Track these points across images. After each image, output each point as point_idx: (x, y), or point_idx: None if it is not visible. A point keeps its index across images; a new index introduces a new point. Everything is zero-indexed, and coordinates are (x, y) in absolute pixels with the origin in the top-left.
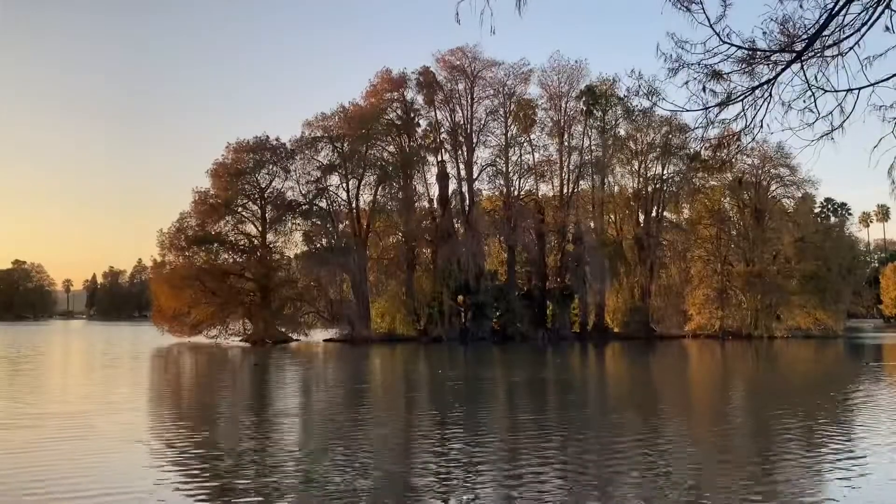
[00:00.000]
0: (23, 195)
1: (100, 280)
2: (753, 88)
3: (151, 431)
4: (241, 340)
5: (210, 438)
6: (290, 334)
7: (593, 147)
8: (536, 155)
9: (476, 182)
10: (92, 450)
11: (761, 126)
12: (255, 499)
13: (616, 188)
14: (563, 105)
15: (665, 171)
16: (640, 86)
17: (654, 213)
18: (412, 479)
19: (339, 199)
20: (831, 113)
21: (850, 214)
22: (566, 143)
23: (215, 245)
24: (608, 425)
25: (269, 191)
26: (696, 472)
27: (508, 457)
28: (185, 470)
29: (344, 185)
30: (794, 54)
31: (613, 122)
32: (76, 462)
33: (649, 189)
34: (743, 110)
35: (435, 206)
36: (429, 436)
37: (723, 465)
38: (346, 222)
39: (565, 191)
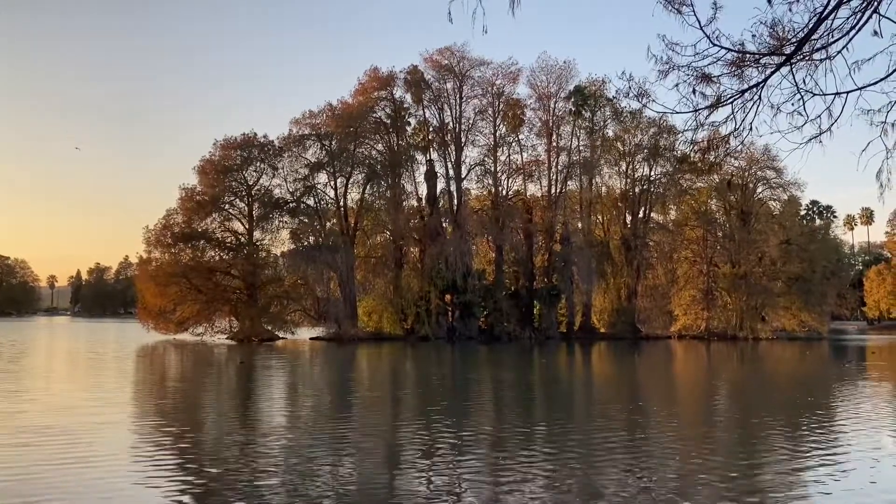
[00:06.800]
0: (6, 191)
1: (84, 276)
2: (743, 91)
3: (150, 453)
4: (226, 338)
5: (210, 455)
6: (276, 332)
7: (581, 148)
8: (525, 155)
9: (464, 181)
10: (95, 477)
11: (750, 129)
12: None
13: (603, 189)
14: (552, 105)
15: (652, 173)
16: (630, 87)
17: (641, 214)
18: (396, 487)
19: (327, 197)
20: (819, 116)
21: (835, 217)
22: (554, 144)
23: (202, 242)
24: (592, 427)
25: (256, 188)
26: (679, 471)
27: (495, 459)
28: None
29: (332, 183)
30: (784, 57)
31: (602, 123)
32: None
33: (636, 190)
34: (732, 113)
35: (423, 204)
36: (415, 445)
37: (706, 462)
38: (334, 220)
39: (553, 191)
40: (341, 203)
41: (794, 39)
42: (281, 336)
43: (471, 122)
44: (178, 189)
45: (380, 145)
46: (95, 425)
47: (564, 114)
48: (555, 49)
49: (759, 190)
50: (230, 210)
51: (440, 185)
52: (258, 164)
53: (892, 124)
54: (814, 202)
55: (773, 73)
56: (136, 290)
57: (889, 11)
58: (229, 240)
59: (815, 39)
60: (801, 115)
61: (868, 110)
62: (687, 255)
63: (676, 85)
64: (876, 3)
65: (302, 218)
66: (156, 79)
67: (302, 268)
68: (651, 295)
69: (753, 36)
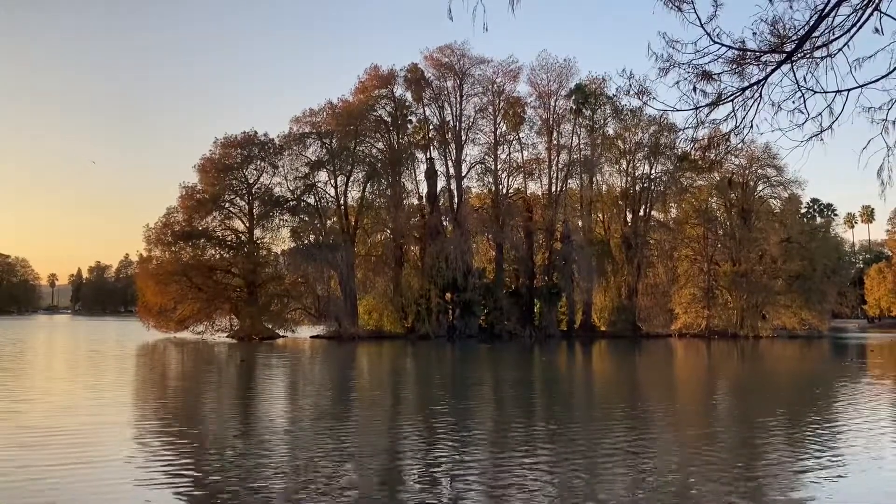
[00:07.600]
0: (7, 190)
1: (85, 275)
2: (743, 89)
3: (152, 453)
4: (227, 336)
5: (212, 455)
6: (276, 331)
7: (582, 146)
8: (525, 153)
9: (465, 179)
10: (97, 478)
11: (751, 127)
12: None
13: (604, 187)
14: (552, 103)
15: (653, 171)
16: (630, 85)
17: (641, 213)
18: (396, 486)
19: (327, 196)
20: (820, 114)
21: (835, 215)
22: (555, 142)
23: (202, 240)
24: (593, 426)
25: (256, 186)
26: (680, 471)
27: (496, 458)
28: None
29: (332, 181)
30: (784, 55)
31: (602, 121)
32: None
33: (637, 188)
34: (733, 111)
35: (423, 203)
36: (415, 444)
37: (707, 462)
38: (334, 219)
39: (554, 189)
40: (341, 201)
41: (794, 37)
42: (281, 334)
43: (471, 120)
44: (179, 187)
45: (380, 143)
46: (97, 426)
47: (565, 112)
48: (555, 47)
49: (760, 188)
50: (230, 208)
51: (440, 183)
52: (258, 162)
53: (893, 122)
54: (814, 200)
55: (773, 70)
56: (137, 288)
57: (890, 9)
58: (230, 238)
59: (816, 37)
60: (802, 113)
61: (869, 108)
62: (687, 253)
63: (677, 82)
64: (877, 1)
65: (302, 216)
66: (157, 77)
67: (302, 266)
68: (651, 293)
69: (754, 33)
